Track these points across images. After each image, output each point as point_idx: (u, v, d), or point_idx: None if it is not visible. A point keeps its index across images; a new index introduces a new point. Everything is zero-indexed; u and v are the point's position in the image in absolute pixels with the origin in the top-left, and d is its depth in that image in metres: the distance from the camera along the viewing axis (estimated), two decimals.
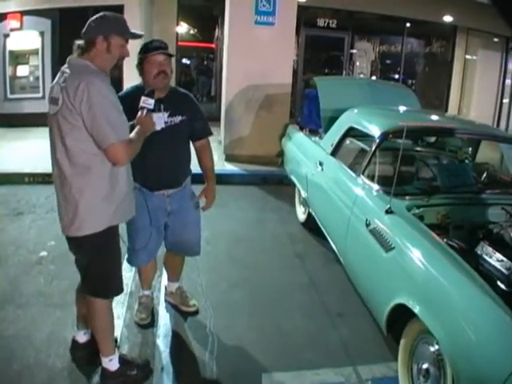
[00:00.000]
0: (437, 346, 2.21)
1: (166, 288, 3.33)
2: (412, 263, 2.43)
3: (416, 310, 2.26)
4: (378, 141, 3.32)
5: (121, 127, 2.12)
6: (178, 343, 2.91)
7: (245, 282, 3.72)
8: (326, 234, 3.97)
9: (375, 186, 3.16)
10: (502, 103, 11.65)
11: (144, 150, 2.56)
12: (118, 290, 2.46)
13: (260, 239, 4.63)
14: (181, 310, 3.20)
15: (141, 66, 2.66)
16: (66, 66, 2.19)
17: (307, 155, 4.71)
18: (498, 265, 2.46)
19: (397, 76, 11.42)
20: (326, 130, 4.75)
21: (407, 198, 2.99)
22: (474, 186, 3.18)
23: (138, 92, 2.66)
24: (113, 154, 2.10)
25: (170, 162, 2.73)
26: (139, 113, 2.43)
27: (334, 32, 10.92)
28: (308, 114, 8.69)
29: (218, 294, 3.47)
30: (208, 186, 2.94)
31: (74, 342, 2.70)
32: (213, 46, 11.32)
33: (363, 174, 3.36)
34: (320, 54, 11.55)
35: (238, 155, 7.18)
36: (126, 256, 2.96)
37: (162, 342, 2.89)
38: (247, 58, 6.70)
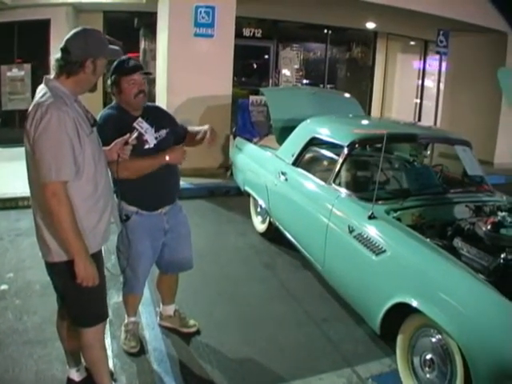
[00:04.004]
0: (439, 336, 2.40)
1: (160, 313, 3.24)
2: (407, 262, 2.62)
3: (418, 305, 2.43)
4: (347, 149, 3.49)
5: (65, 166, 1.95)
6: (177, 367, 2.85)
7: (223, 297, 3.72)
8: (295, 243, 4.07)
9: (350, 193, 3.32)
10: (421, 105, 12.59)
11: None
12: (99, 317, 2.30)
13: (224, 253, 4.65)
14: (181, 333, 3.14)
15: (117, 87, 2.62)
16: (41, 85, 2.07)
17: (264, 166, 4.78)
18: (476, 258, 2.70)
19: (321, 82, 11.87)
20: (281, 141, 4.86)
21: (380, 202, 3.16)
22: (439, 187, 3.45)
23: (119, 112, 2.65)
24: (47, 191, 1.94)
25: (165, 178, 2.70)
26: (129, 134, 2.40)
27: (259, 41, 11.13)
28: (242, 124, 8.84)
29: (201, 312, 3.43)
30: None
31: (70, 380, 2.54)
32: (137, 58, 11.12)
33: (334, 181, 3.51)
34: (246, 63, 11.72)
35: (182, 169, 7.09)
36: (126, 285, 2.86)
37: (160, 368, 2.81)
38: (187, 70, 6.68)
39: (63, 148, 1.93)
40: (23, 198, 5.61)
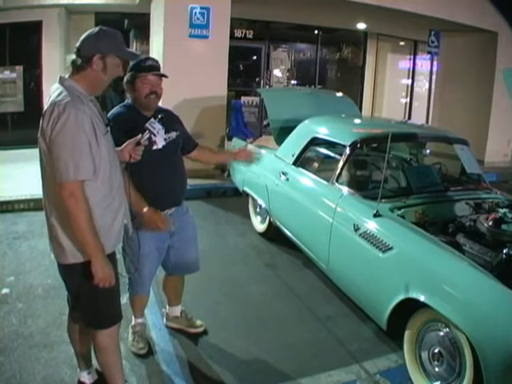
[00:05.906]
0: (446, 329, 2.45)
1: (167, 314, 3.24)
2: (413, 258, 2.67)
3: (425, 300, 2.48)
4: (350, 149, 3.53)
5: (83, 165, 1.93)
6: (186, 367, 2.85)
7: (227, 297, 3.74)
8: (296, 243, 4.10)
9: (354, 192, 3.36)
10: (411, 104, 12.72)
11: (148, 172, 2.58)
12: (114, 319, 2.30)
13: (226, 253, 4.66)
14: (187, 333, 3.15)
15: (132, 84, 2.62)
16: (56, 84, 2.05)
17: (264, 166, 4.79)
18: (479, 253, 2.76)
19: (312, 83, 11.92)
20: (279, 141, 4.89)
21: (383, 200, 3.20)
22: (440, 185, 3.50)
23: (130, 111, 2.65)
24: (64, 191, 1.92)
25: (174, 178, 2.71)
26: (141, 135, 2.40)
27: (250, 42, 11.15)
28: (236, 125, 8.85)
29: (206, 313, 3.44)
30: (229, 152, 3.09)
31: (80, 383, 2.55)
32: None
33: (337, 181, 3.54)
34: (238, 64, 11.73)
35: None
36: (131, 286, 2.85)
37: (170, 369, 2.81)
38: (182, 71, 6.66)
39: (81, 147, 1.91)
40: (19, 201, 5.58)
